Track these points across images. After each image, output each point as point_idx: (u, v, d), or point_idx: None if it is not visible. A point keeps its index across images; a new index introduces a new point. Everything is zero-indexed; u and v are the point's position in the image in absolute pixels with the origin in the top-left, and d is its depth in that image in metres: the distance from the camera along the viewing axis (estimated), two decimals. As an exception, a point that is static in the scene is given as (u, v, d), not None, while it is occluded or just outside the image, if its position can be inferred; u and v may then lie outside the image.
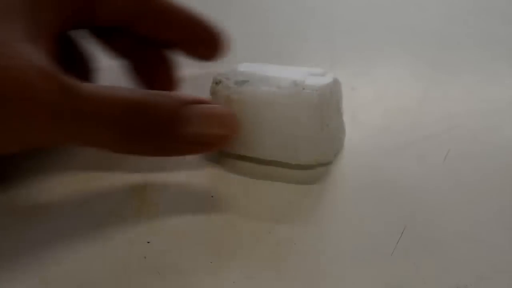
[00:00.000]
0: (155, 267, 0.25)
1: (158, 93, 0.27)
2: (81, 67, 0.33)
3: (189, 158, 0.30)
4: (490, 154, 0.32)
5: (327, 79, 0.29)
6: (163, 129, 0.26)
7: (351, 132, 0.32)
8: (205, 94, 0.29)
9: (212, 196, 0.28)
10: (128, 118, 0.25)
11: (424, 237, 0.27)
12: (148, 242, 0.26)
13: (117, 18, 0.31)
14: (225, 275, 0.25)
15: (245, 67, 0.30)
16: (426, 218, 0.28)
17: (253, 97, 0.28)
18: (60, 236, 0.26)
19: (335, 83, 0.29)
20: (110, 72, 0.35)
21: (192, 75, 0.36)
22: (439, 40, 0.43)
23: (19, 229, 0.26)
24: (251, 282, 0.24)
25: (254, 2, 0.49)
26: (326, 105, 0.28)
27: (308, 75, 0.29)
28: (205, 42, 0.33)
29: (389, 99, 0.36)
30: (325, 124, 0.28)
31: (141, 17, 0.31)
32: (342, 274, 0.25)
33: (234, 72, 0.29)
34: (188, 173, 0.30)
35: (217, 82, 0.29)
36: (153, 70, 0.34)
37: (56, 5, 0.28)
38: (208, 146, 0.27)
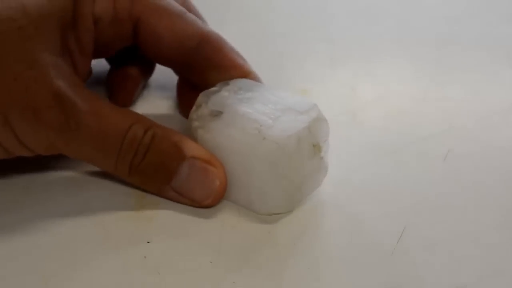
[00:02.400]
0: (155, 267, 0.25)
1: (166, 136, 0.27)
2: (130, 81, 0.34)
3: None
4: (490, 154, 0.32)
5: (300, 123, 0.27)
6: (160, 175, 0.27)
7: (351, 132, 0.32)
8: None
9: (212, 196, 0.28)
10: (131, 151, 0.27)
11: (424, 237, 0.27)
12: (148, 242, 0.26)
13: (160, 60, 0.32)
14: (225, 275, 0.25)
15: (233, 88, 0.29)
16: (426, 218, 0.28)
17: (215, 141, 0.27)
18: (59, 235, 0.26)
19: (314, 125, 0.27)
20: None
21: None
22: (439, 40, 0.43)
23: (19, 228, 0.26)
24: (251, 282, 0.24)
25: (254, 2, 0.49)
26: (286, 158, 0.26)
27: (286, 111, 0.27)
28: None
29: (389, 99, 0.36)
30: (282, 176, 0.26)
31: (186, 67, 0.31)
32: (342, 274, 0.25)
33: (218, 96, 0.28)
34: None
35: (197, 106, 0.28)
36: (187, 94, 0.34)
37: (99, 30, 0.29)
38: (192, 203, 0.28)
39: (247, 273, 0.25)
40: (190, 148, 0.27)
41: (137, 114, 0.27)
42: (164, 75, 0.34)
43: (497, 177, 0.30)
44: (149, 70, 0.35)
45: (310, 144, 0.27)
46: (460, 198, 0.29)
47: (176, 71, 0.33)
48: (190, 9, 0.34)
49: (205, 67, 0.30)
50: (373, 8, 0.48)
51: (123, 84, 0.34)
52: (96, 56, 0.31)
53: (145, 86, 0.36)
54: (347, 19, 0.46)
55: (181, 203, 0.28)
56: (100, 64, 0.34)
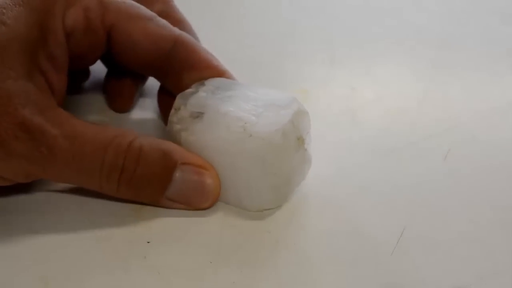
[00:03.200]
0: (155, 267, 0.25)
1: (154, 146, 0.27)
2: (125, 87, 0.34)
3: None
4: (490, 154, 0.32)
5: (284, 118, 0.27)
6: (153, 186, 0.27)
7: (351, 132, 0.32)
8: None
9: (212, 196, 0.28)
10: (117, 168, 0.26)
11: (424, 237, 0.27)
12: (148, 242, 0.26)
13: (135, 67, 0.32)
14: (225, 275, 0.25)
15: (210, 88, 0.29)
16: (426, 218, 0.28)
17: (199, 142, 0.27)
18: (59, 236, 0.26)
19: (296, 118, 0.27)
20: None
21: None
22: (439, 40, 0.43)
23: (19, 228, 0.26)
24: (251, 282, 0.24)
25: (254, 2, 0.49)
26: (274, 153, 0.26)
27: (268, 106, 0.27)
28: None
29: (389, 99, 0.36)
30: (270, 172, 0.26)
31: (162, 71, 0.31)
32: (342, 274, 0.25)
33: (196, 97, 0.28)
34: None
35: (176, 109, 0.28)
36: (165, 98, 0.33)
37: (70, 42, 0.29)
38: (187, 207, 0.28)
39: (247, 273, 0.25)
40: (179, 154, 0.27)
41: (115, 129, 0.27)
42: (157, 81, 0.34)
43: (497, 177, 0.30)
44: (143, 76, 0.35)
45: (295, 137, 0.27)
46: (460, 198, 0.29)
47: (153, 76, 0.33)
48: (175, 14, 0.34)
49: (181, 68, 0.30)
50: (373, 8, 0.48)
51: (121, 90, 0.34)
52: (75, 67, 0.30)
53: (141, 92, 0.36)
54: (347, 19, 0.46)
55: (178, 209, 0.27)
56: (98, 67, 0.34)
